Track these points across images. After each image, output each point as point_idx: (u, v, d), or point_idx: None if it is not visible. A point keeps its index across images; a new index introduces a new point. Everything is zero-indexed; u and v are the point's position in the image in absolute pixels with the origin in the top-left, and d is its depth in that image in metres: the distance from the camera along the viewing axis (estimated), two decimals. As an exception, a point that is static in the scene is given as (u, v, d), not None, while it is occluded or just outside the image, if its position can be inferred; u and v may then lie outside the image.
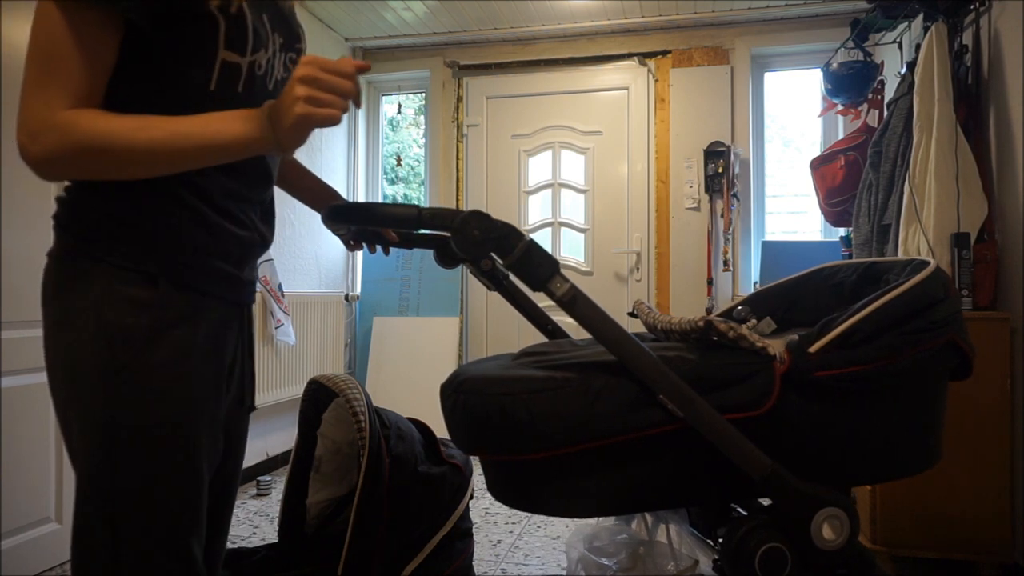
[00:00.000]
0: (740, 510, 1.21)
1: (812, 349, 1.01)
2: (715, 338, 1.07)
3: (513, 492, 1.07)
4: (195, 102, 0.83)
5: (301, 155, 3.62)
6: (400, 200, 6.99)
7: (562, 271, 0.99)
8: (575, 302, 0.98)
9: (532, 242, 0.97)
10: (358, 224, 1.22)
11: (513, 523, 2.67)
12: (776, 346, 1.04)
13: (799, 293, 1.39)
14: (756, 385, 1.00)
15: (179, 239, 0.85)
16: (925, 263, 1.10)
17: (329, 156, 3.91)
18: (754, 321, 1.33)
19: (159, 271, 0.83)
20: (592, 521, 1.52)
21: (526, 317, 1.41)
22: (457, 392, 1.04)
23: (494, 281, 1.36)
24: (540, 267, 0.97)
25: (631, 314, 1.36)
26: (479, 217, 0.94)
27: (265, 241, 1.00)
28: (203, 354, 0.88)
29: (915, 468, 1.12)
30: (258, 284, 2.93)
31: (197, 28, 0.81)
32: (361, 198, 4.24)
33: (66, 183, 0.87)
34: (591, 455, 1.00)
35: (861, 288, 1.27)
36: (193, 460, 0.86)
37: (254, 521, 2.70)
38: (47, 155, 0.78)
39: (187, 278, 0.86)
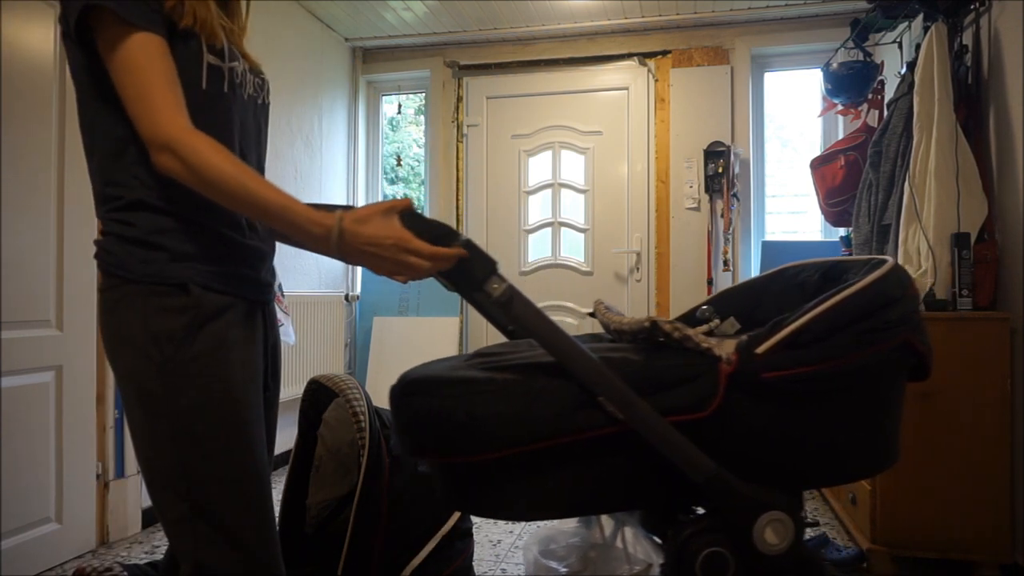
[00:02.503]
0: (698, 510, 1.18)
1: (760, 350, 0.99)
2: (661, 339, 1.05)
3: (456, 494, 1.05)
4: (193, 98, 0.97)
5: (302, 155, 3.63)
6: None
7: (499, 271, 0.97)
8: (512, 303, 0.96)
9: (469, 241, 0.95)
10: None
11: (513, 523, 2.67)
12: (727, 347, 1.03)
13: (763, 293, 1.37)
14: (701, 386, 0.98)
15: (199, 253, 1.00)
16: (883, 261, 1.07)
17: (329, 156, 3.91)
18: (717, 321, 1.31)
19: (187, 280, 0.98)
20: (552, 523, 1.51)
21: (484, 315, 1.32)
22: (401, 394, 1.02)
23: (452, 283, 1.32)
24: (476, 266, 0.95)
25: (591, 314, 1.34)
26: (412, 217, 0.94)
27: (270, 247, 1.14)
28: (235, 343, 1.01)
29: (869, 471, 1.09)
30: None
31: (187, 39, 0.98)
32: (361, 198, 4.24)
33: (100, 227, 1.01)
34: (532, 457, 0.98)
35: (823, 287, 1.24)
36: (248, 432, 1.00)
37: (254, 521, 2.70)
38: (174, 170, 0.91)
39: (212, 282, 1.00)
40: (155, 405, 0.96)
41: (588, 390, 0.97)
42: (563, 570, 1.38)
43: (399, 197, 6.83)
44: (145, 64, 0.91)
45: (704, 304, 1.37)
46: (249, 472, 1.00)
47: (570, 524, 1.46)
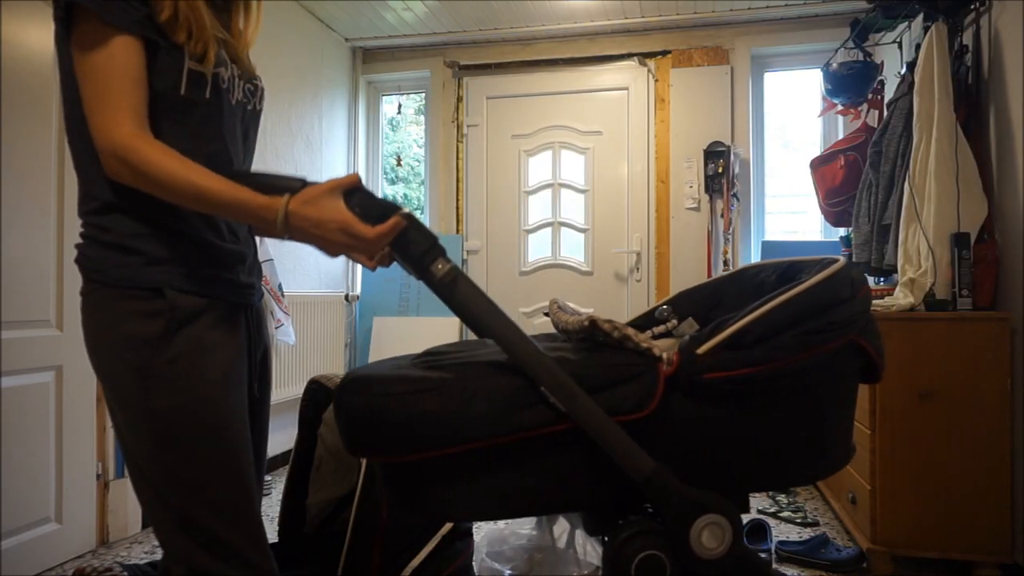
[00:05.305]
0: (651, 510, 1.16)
1: (701, 350, 0.98)
2: (600, 338, 1.04)
3: (396, 494, 1.04)
4: (170, 102, 0.97)
5: (302, 155, 3.63)
6: (400, 200, 6.99)
7: (445, 254, 0.95)
8: (455, 284, 0.95)
9: (409, 214, 0.94)
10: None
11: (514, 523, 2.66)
12: (670, 347, 1.01)
13: (723, 293, 1.36)
14: (639, 386, 0.97)
15: (173, 256, 0.99)
16: (833, 261, 1.06)
17: (329, 156, 3.91)
18: (675, 321, 1.30)
19: (162, 284, 0.98)
20: (508, 524, 1.50)
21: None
22: (341, 392, 1.01)
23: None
24: (417, 238, 0.93)
25: (545, 313, 1.33)
26: (358, 195, 0.93)
27: (249, 249, 1.13)
28: (213, 345, 1.01)
29: (815, 474, 1.08)
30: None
31: (168, 46, 0.96)
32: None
33: (80, 230, 1.03)
34: (468, 457, 0.97)
35: (779, 288, 1.24)
36: (228, 434, 1.00)
37: (254, 521, 2.69)
38: (123, 175, 0.93)
39: (187, 285, 1.00)
40: (134, 408, 0.97)
41: (526, 391, 0.95)
42: (508, 572, 1.37)
43: (399, 198, 6.75)
44: (105, 69, 0.90)
45: (663, 304, 1.35)
46: (231, 473, 0.99)
47: (526, 526, 1.45)
